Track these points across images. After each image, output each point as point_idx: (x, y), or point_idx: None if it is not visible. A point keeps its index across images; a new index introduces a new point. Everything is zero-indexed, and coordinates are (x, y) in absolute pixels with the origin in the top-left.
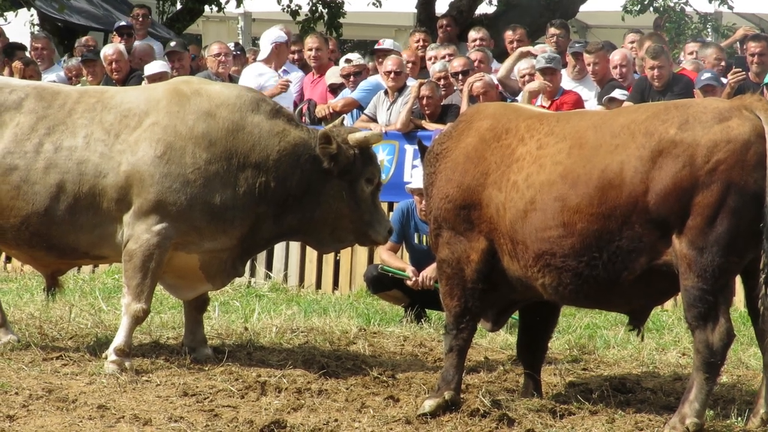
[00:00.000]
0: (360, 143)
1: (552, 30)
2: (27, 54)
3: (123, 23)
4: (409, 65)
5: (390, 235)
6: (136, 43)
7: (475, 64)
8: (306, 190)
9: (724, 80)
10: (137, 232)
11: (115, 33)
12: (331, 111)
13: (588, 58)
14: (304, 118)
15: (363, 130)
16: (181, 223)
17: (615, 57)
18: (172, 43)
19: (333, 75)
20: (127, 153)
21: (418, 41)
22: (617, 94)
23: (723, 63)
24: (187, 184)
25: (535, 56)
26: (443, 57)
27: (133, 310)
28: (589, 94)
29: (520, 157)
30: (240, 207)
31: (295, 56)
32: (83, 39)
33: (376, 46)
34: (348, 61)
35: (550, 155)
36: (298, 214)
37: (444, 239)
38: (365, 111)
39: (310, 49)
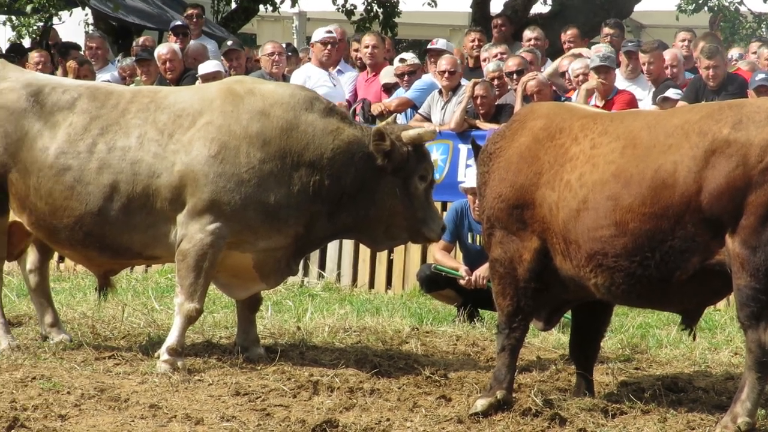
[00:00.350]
0: (413, 140)
1: (606, 29)
2: (81, 53)
3: (179, 23)
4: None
5: (443, 232)
6: (191, 42)
7: None
8: (360, 188)
9: None
10: (191, 232)
11: (170, 33)
12: (386, 110)
13: (643, 57)
14: (357, 117)
15: (416, 127)
16: (235, 223)
17: (665, 57)
18: (229, 42)
19: (387, 74)
20: (180, 153)
21: (473, 41)
22: (671, 93)
23: None
24: (241, 183)
25: (587, 57)
26: (495, 56)
27: (185, 310)
28: (642, 94)
29: (573, 157)
30: (294, 206)
31: (358, 54)
32: (140, 39)
33: (429, 46)
34: (402, 60)
35: (603, 155)
36: (352, 212)
37: (497, 238)
38: (419, 110)
39: (367, 47)
